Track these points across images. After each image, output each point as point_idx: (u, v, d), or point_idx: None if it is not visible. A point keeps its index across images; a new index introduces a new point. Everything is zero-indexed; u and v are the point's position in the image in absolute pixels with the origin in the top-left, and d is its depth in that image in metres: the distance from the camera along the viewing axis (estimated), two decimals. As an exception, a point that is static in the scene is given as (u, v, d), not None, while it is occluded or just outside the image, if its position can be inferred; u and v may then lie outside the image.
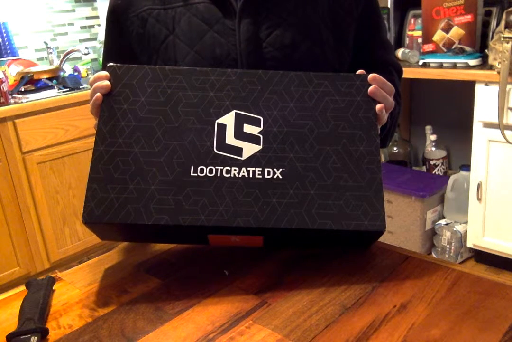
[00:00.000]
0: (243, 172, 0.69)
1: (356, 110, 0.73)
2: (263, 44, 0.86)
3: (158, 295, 0.70)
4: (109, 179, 0.70)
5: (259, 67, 0.79)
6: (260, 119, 0.73)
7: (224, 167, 0.70)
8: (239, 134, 0.72)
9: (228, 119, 0.73)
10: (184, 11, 0.88)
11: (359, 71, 0.76)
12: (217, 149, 0.71)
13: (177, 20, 0.88)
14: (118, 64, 0.76)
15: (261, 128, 0.72)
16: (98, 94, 0.74)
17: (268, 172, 0.69)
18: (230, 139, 0.71)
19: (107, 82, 0.74)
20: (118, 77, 0.75)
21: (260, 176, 0.69)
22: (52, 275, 0.77)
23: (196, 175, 0.69)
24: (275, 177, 0.69)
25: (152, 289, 0.72)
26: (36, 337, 0.60)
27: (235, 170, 0.69)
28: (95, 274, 0.77)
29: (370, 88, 0.74)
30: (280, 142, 0.71)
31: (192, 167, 0.70)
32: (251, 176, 0.69)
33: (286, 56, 0.86)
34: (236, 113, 0.73)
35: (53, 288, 0.73)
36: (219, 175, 0.69)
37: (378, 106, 0.74)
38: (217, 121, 0.72)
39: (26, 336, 0.60)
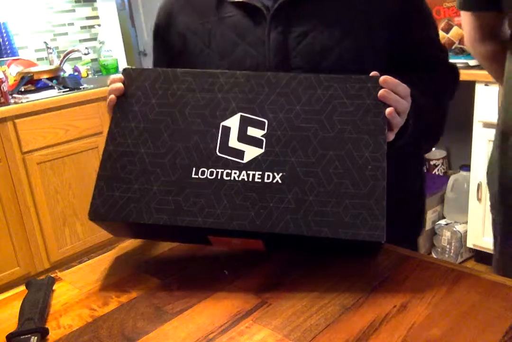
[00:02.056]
0: (243, 175, 0.69)
1: (364, 114, 0.71)
2: (292, 53, 0.85)
3: (158, 295, 0.70)
4: (116, 178, 0.71)
5: None
6: (264, 122, 0.72)
7: (225, 170, 0.70)
8: (243, 137, 0.71)
9: (233, 122, 0.73)
10: (218, 25, 0.89)
11: (372, 73, 0.73)
12: (219, 152, 0.71)
13: (213, 34, 0.90)
14: (133, 67, 0.79)
15: (265, 131, 0.72)
16: (112, 96, 0.77)
17: (268, 175, 0.69)
18: (233, 142, 0.71)
19: (120, 85, 0.77)
20: (132, 80, 0.77)
21: (260, 180, 0.69)
22: (52, 275, 0.77)
23: (197, 176, 0.70)
24: (274, 181, 0.68)
25: (152, 289, 0.72)
26: (36, 337, 0.60)
27: (235, 173, 0.69)
28: (95, 274, 0.77)
29: (380, 92, 0.70)
30: (283, 146, 0.70)
31: (194, 169, 0.70)
32: (250, 179, 0.69)
33: (314, 65, 0.85)
34: (241, 115, 0.73)
35: (53, 288, 0.73)
36: (219, 177, 0.69)
37: (388, 110, 0.70)
38: (222, 123, 0.73)
39: (26, 336, 0.60)
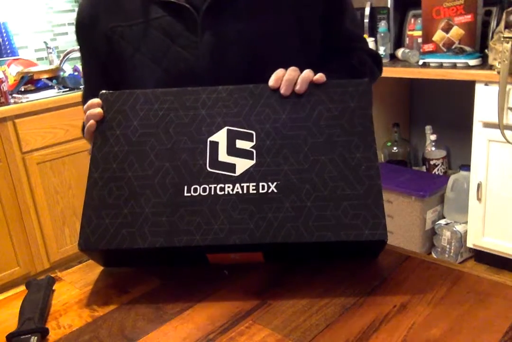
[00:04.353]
0: (237, 188, 0.69)
1: (350, 117, 0.72)
2: (226, 55, 0.85)
3: (158, 295, 0.70)
4: (104, 205, 0.70)
5: (221, 80, 0.78)
6: (252, 134, 0.72)
7: (217, 185, 0.69)
8: (232, 150, 0.71)
9: (220, 136, 0.72)
10: (146, 27, 0.87)
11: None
12: (210, 168, 0.70)
13: (141, 36, 0.87)
14: (110, 91, 0.78)
15: (254, 142, 0.71)
16: (91, 121, 0.76)
17: (263, 186, 0.68)
18: (223, 156, 0.71)
19: (99, 110, 0.76)
20: (110, 104, 0.76)
21: (255, 191, 0.68)
22: (52, 275, 0.77)
23: (189, 194, 0.69)
24: (270, 191, 0.68)
25: (152, 289, 0.72)
26: (36, 337, 0.60)
27: (228, 187, 0.69)
28: (95, 274, 0.77)
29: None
30: (274, 155, 0.70)
31: (185, 187, 0.70)
32: (245, 191, 0.68)
33: (249, 66, 0.85)
34: (228, 129, 0.73)
35: (53, 288, 0.73)
36: (212, 193, 0.69)
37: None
38: (209, 139, 0.72)
39: (26, 336, 0.60)
